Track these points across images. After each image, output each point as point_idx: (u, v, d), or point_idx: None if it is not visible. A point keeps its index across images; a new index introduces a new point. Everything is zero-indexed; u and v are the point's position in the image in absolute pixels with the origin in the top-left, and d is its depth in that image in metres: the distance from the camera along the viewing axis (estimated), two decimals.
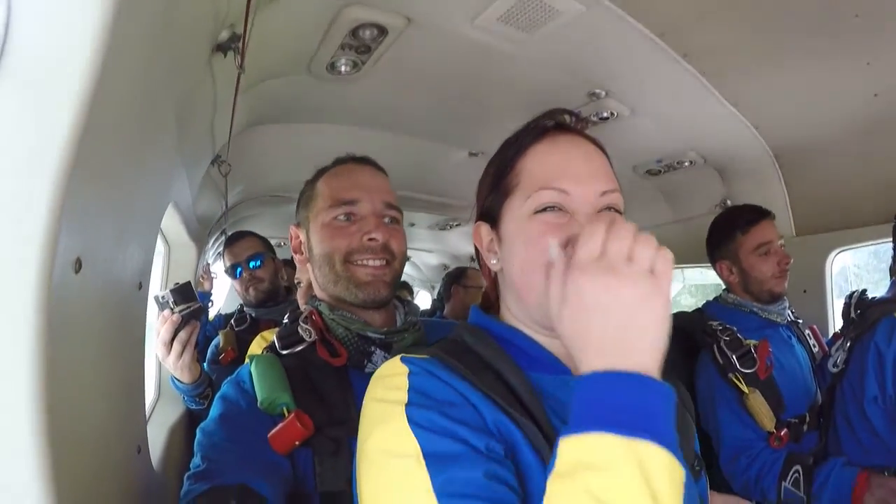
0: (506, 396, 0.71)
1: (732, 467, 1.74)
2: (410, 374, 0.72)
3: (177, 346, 1.56)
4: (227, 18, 1.16)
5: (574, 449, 0.53)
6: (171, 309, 1.52)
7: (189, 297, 1.53)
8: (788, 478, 1.60)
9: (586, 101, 2.02)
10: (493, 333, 0.82)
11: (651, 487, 0.49)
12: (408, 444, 0.64)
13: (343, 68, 1.71)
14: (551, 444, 0.66)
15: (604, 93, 1.97)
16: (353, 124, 2.25)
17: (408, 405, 0.67)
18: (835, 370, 1.72)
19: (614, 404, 0.54)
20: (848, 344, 1.70)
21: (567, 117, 0.84)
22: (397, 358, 0.76)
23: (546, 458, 0.65)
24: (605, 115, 2.11)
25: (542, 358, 0.79)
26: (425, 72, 1.82)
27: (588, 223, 0.65)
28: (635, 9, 1.49)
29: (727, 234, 1.99)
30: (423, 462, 0.62)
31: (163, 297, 1.53)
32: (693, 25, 1.57)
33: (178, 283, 1.54)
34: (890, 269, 1.76)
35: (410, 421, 0.65)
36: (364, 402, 0.75)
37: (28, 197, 0.58)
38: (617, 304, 0.57)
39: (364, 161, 1.25)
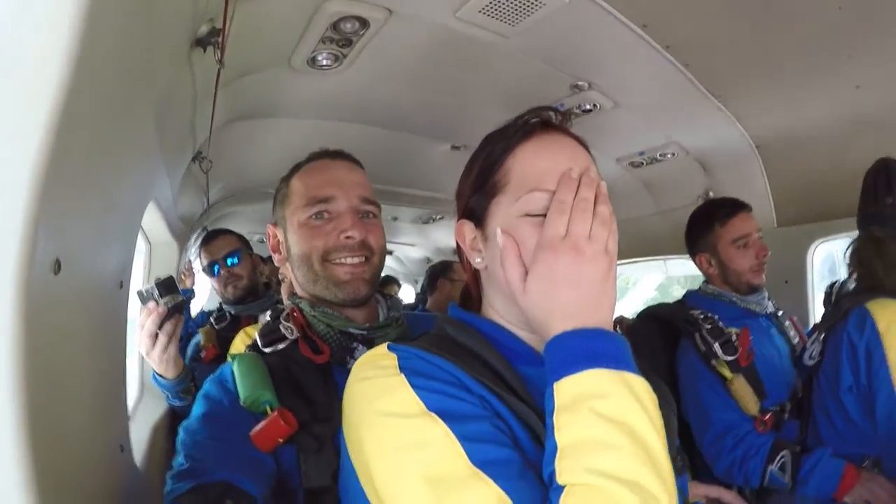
0: (494, 380, 0.74)
1: (718, 446, 1.75)
2: (399, 359, 0.74)
3: (162, 337, 1.53)
4: (206, 13, 1.14)
5: (572, 385, 0.63)
6: (156, 301, 1.50)
7: (173, 290, 1.52)
8: (776, 462, 1.63)
9: (569, 93, 2.02)
10: (477, 328, 0.83)
11: (642, 405, 0.62)
12: (413, 404, 0.68)
13: (324, 62, 1.69)
14: (543, 421, 0.70)
15: (587, 85, 1.98)
16: (335, 119, 2.23)
17: (402, 370, 0.72)
18: (811, 362, 1.74)
19: (595, 349, 0.64)
20: (822, 336, 1.73)
21: (552, 114, 0.84)
22: (382, 346, 0.78)
23: (538, 435, 0.70)
24: (587, 107, 2.12)
25: (526, 353, 0.81)
26: (407, 64, 1.81)
27: (555, 199, 0.72)
28: (618, 0, 1.49)
29: (706, 226, 2.01)
30: (432, 415, 0.66)
31: (147, 290, 1.51)
32: (676, 18, 1.58)
33: (160, 277, 1.53)
34: (848, 263, 1.77)
35: (413, 385, 0.69)
36: (348, 385, 0.77)
37: (4, 198, 0.57)
38: (582, 277, 0.67)
39: (339, 155, 1.23)
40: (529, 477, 0.64)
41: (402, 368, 0.72)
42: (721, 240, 1.96)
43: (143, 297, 1.51)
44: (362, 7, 1.44)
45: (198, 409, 1.02)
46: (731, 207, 1.99)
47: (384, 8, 1.46)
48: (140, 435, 1.73)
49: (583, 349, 0.64)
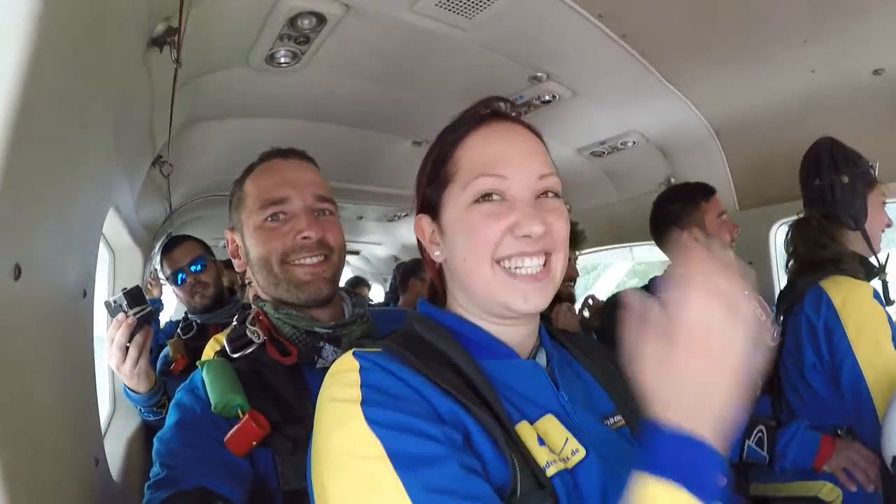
0: (458, 387, 0.71)
1: None
2: (361, 370, 0.71)
3: (133, 350, 1.49)
4: (161, 11, 1.12)
5: (656, 492, 0.57)
6: (125, 312, 1.46)
7: (141, 300, 1.49)
8: (752, 437, 1.67)
9: (528, 84, 2.03)
10: (442, 324, 0.82)
11: None
12: (371, 446, 0.63)
13: (283, 60, 1.68)
14: (505, 430, 0.69)
15: (545, 76, 1.99)
16: (296, 117, 2.21)
17: (363, 403, 0.66)
18: (772, 343, 1.79)
19: (692, 469, 0.57)
20: (781, 317, 1.79)
21: (502, 104, 0.85)
22: (349, 353, 0.75)
23: (500, 446, 0.67)
24: (546, 98, 2.14)
25: (490, 345, 0.80)
26: (366, 60, 1.80)
27: (680, 273, 0.63)
28: None
29: (691, 202, 2.04)
30: (388, 462, 0.62)
31: (115, 301, 1.47)
32: (631, 7, 1.61)
33: (126, 288, 1.49)
34: (786, 243, 1.88)
35: (369, 420, 0.64)
36: (319, 400, 0.73)
37: None
38: (711, 377, 0.60)
39: (290, 154, 1.21)
40: None
41: (364, 386, 0.68)
42: (708, 214, 2.01)
43: (112, 309, 1.47)
44: (319, 2, 1.43)
45: (171, 418, 1.02)
46: (707, 187, 2.06)
47: (341, 3, 1.45)
48: (115, 448, 1.70)
49: (681, 460, 0.58)
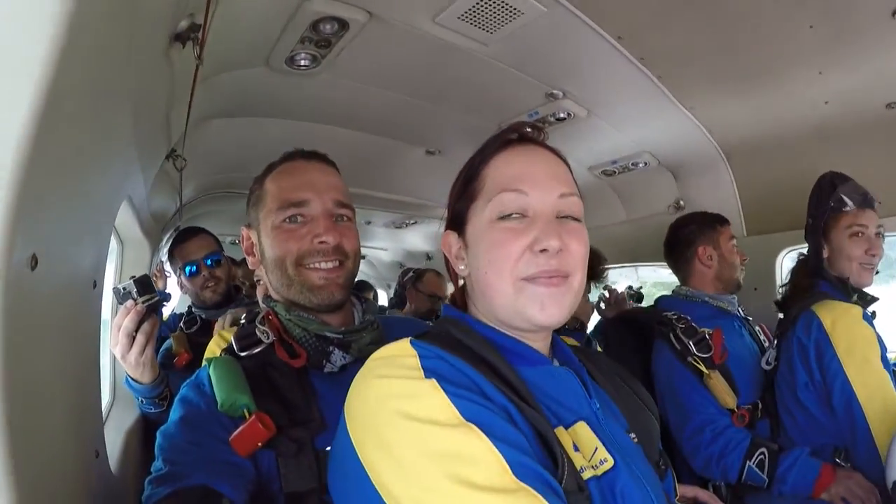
0: (503, 386, 0.73)
1: (696, 440, 1.80)
2: (421, 357, 0.72)
3: (140, 338, 1.48)
4: (186, 7, 1.13)
5: None
6: (134, 299, 1.45)
7: (149, 289, 1.47)
8: (754, 458, 1.69)
9: (544, 101, 2.05)
10: (475, 329, 0.83)
11: None
12: (450, 413, 0.64)
13: (302, 62, 1.69)
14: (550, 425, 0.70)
15: (561, 94, 2.01)
16: (311, 120, 2.22)
17: (434, 377, 0.68)
18: (768, 367, 1.86)
19: None
20: (776, 342, 1.85)
21: (530, 130, 0.88)
22: (405, 341, 0.76)
23: (552, 445, 0.69)
24: (562, 115, 2.15)
25: (524, 352, 0.82)
26: (385, 68, 1.82)
27: None
28: (594, 12, 1.53)
29: (707, 225, 2.12)
30: (474, 427, 0.63)
31: (124, 288, 1.46)
32: (650, 30, 1.62)
33: (135, 276, 1.49)
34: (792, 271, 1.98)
35: (448, 392, 0.66)
36: (360, 381, 0.73)
37: None
38: None
39: (313, 156, 1.21)
40: (560, 493, 0.64)
41: (427, 370, 0.69)
42: (723, 236, 2.09)
43: (121, 295, 1.46)
44: (342, 8, 1.44)
45: (175, 413, 1.01)
46: (723, 217, 2.15)
47: (364, 10, 1.47)
48: (114, 440, 1.69)
49: None
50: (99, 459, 1.14)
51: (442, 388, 0.66)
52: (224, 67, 1.66)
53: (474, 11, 1.48)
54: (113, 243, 2.05)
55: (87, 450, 1.06)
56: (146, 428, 1.95)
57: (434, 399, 0.66)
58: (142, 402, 1.73)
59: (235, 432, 0.94)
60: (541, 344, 0.85)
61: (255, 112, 2.13)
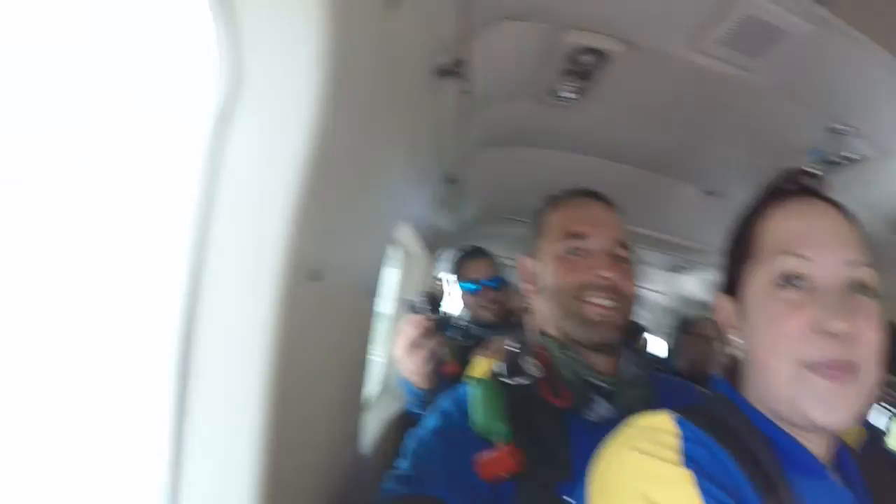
0: (768, 498, 0.63)
1: None
2: (684, 439, 0.65)
3: (425, 353, 1.59)
4: (445, 44, 1.22)
5: None
6: (426, 314, 1.57)
7: (438, 307, 1.60)
8: None
9: (824, 137, 1.71)
10: (749, 418, 0.72)
11: None
12: None
13: (565, 94, 1.71)
14: None
15: (847, 129, 1.66)
16: (579, 152, 2.23)
17: (692, 468, 0.62)
18: None
19: None
20: None
21: (810, 179, 0.77)
22: (668, 414, 0.70)
23: None
24: (847, 155, 1.76)
25: (800, 457, 0.69)
26: (647, 98, 1.75)
27: None
28: (874, 28, 1.23)
29: None
30: None
31: (419, 302, 1.60)
32: None
33: (426, 292, 1.63)
34: None
35: (702, 490, 0.59)
36: (614, 446, 0.69)
37: (275, 211, 0.70)
38: None
39: (595, 195, 1.20)
40: None
41: (687, 457, 0.62)
42: None
43: (415, 308, 1.60)
44: (599, 39, 1.43)
45: (431, 422, 1.07)
46: None
47: (621, 40, 1.44)
48: (373, 428, 1.88)
49: None
50: (356, 443, 1.29)
51: (698, 483, 0.59)
52: (489, 100, 1.76)
53: (734, 34, 1.32)
54: (399, 255, 2.33)
55: (348, 432, 1.21)
56: (403, 424, 2.14)
57: (684, 493, 0.59)
58: (411, 401, 1.84)
59: (485, 456, 0.96)
60: (820, 446, 0.70)
61: (524, 142, 2.21)
